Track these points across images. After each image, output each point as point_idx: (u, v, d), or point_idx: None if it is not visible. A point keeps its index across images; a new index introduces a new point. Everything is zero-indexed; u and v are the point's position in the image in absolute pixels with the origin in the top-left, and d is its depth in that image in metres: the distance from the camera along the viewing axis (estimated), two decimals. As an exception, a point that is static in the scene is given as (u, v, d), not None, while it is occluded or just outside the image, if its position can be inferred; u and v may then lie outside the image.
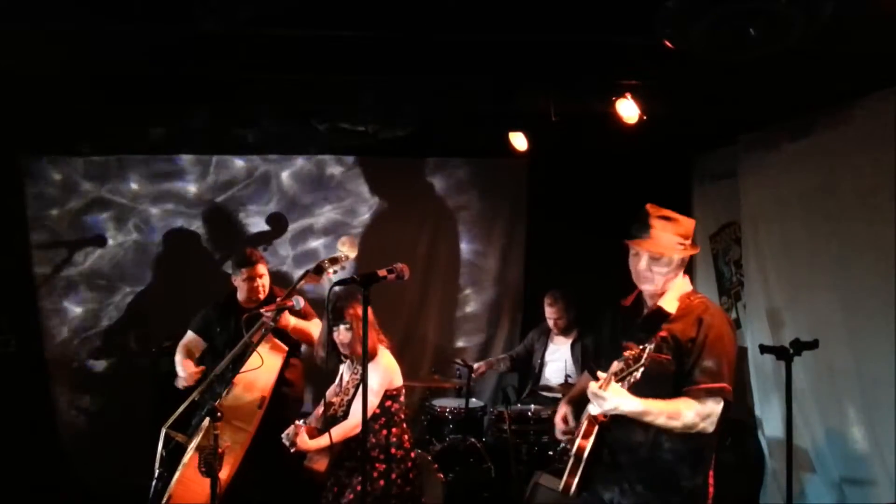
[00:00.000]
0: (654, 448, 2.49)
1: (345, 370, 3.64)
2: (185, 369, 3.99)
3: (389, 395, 3.49)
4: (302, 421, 3.45)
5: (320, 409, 3.58)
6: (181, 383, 3.96)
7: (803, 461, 4.22)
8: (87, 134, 4.97)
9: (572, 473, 2.54)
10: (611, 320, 2.81)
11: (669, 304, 2.55)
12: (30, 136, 4.96)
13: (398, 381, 3.54)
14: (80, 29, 2.87)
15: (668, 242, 2.53)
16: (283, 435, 3.42)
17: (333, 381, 3.68)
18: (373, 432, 3.44)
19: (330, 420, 3.43)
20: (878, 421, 3.69)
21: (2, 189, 5.23)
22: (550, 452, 4.56)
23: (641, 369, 2.33)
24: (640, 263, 2.56)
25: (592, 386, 2.39)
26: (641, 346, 2.36)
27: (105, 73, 3.49)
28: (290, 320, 3.90)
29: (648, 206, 2.63)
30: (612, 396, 2.34)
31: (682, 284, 2.61)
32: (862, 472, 3.85)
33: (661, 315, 2.54)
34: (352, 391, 3.49)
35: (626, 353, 2.40)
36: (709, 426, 2.43)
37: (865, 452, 3.81)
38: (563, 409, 2.83)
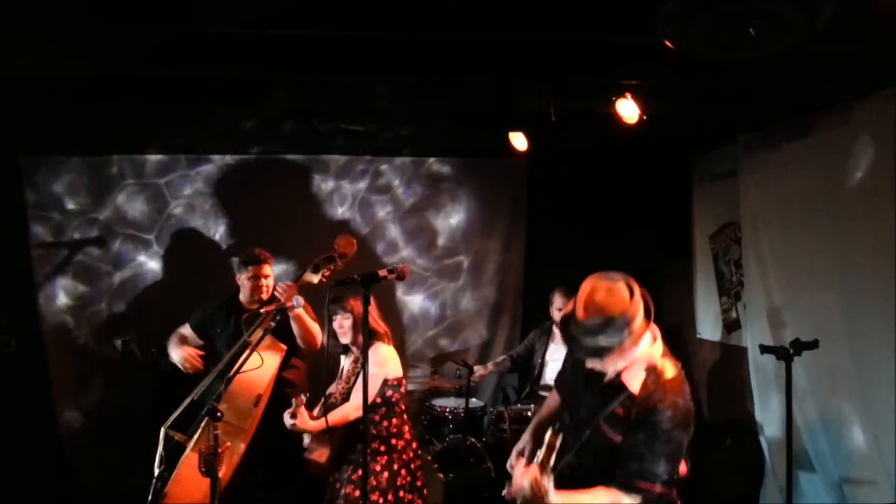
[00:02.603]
0: None
1: (345, 362, 3.66)
2: (181, 352, 3.98)
3: (390, 385, 3.50)
4: (304, 395, 3.44)
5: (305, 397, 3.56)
6: (182, 365, 3.95)
7: (803, 461, 4.22)
8: (86, 134, 4.97)
9: None
10: (570, 360, 2.62)
11: (634, 381, 2.28)
12: (30, 136, 4.96)
13: (398, 370, 3.55)
14: (81, 29, 2.87)
15: (610, 348, 2.21)
16: (286, 413, 3.40)
17: (335, 379, 3.69)
18: (373, 423, 3.45)
19: (329, 409, 3.44)
20: (878, 421, 3.69)
21: (2, 189, 5.23)
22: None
23: (561, 458, 2.23)
24: (589, 364, 2.33)
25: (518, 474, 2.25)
26: (556, 435, 2.23)
27: (105, 73, 3.49)
28: (297, 309, 3.87)
29: (579, 305, 2.25)
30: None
31: (652, 352, 2.31)
32: (862, 472, 3.85)
33: (621, 390, 2.29)
34: (352, 380, 3.50)
35: (549, 440, 2.25)
36: None
37: (865, 452, 3.81)
38: (522, 442, 2.73)
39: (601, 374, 2.33)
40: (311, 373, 4.42)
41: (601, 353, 2.22)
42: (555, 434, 2.26)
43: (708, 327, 5.53)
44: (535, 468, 2.21)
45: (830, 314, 3.97)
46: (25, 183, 5.32)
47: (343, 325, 3.51)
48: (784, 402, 3.57)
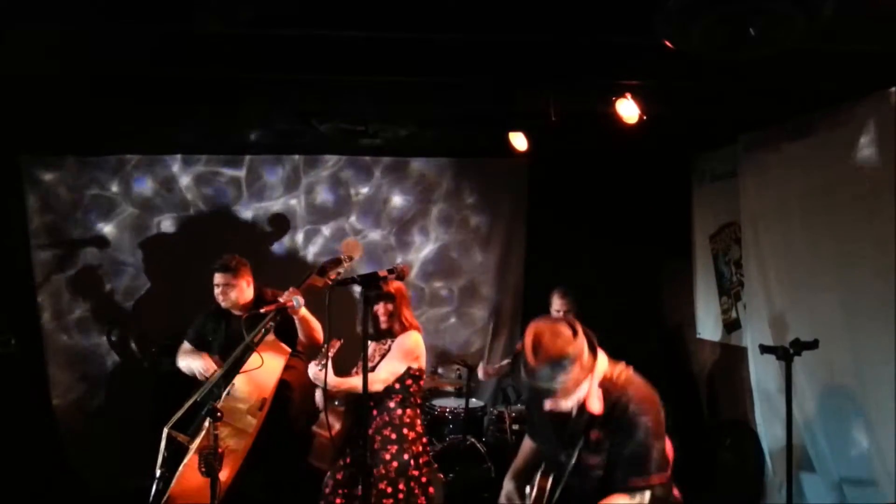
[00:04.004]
0: None
1: (373, 346, 3.64)
2: (202, 361, 3.94)
3: (411, 374, 3.51)
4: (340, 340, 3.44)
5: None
6: (205, 375, 3.91)
7: (803, 461, 4.22)
8: (86, 134, 4.97)
9: None
10: (533, 406, 2.64)
11: (595, 401, 2.37)
12: (30, 137, 4.96)
13: (423, 361, 3.59)
14: (80, 29, 2.87)
15: (562, 386, 2.27)
16: (313, 363, 3.39)
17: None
18: (387, 410, 3.46)
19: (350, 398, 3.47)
20: (878, 421, 3.69)
21: (2, 189, 5.24)
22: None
23: (556, 495, 2.35)
24: (546, 406, 2.37)
25: None
26: (546, 478, 2.37)
27: (105, 73, 3.49)
28: (301, 310, 3.86)
29: (527, 352, 2.30)
30: None
31: (599, 367, 2.39)
32: (862, 472, 3.85)
33: (587, 417, 2.39)
34: (377, 359, 3.52)
35: (539, 483, 2.39)
36: None
37: (865, 452, 3.81)
38: (505, 490, 2.75)
39: (565, 413, 2.41)
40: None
41: (554, 393, 2.29)
42: (544, 477, 2.41)
43: (708, 327, 5.53)
44: None
45: (830, 314, 3.97)
46: (25, 183, 5.32)
47: (387, 309, 3.54)
48: (784, 402, 3.57)
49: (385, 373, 3.40)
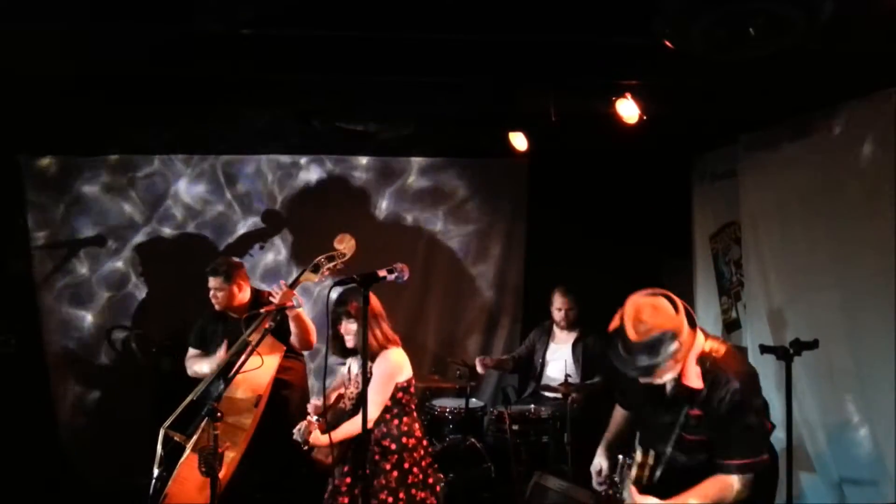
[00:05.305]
0: None
1: (353, 362, 3.62)
2: (211, 362, 3.96)
3: (400, 388, 3.48)
4: (315, 418, 3.42)
5: (318, 402, 3.54)
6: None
7: (803, 461, 4.22)
8: (87, 134, 4.97)
9: None
10: (626, 379, 2.62)
11: (694, 377, 2.36)
12: (30, 136, 4.96)
13: (408, 372, 3.52)
14: (80, 29, 2.87)
15: (664, 362, 2.29)
16: (295, 430, 3.39)
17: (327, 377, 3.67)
18: (384, 422, 3.45)
19: (339, 414, 3.42)
20: (878, 421, 3.69)
21: (2, 189, 5.23)
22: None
23: (659, 471, 2.33)
24: (644, 381, 2.39)
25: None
26: (647, 455, 2.37)
27: (105, 73, 3.49)
28: (296, 309, 3.84)
29: (629, 327, 2.30)
30: None
31: (696, 344, 2.40)
32: (862, 472, 3.85)
33: (687, 392, 2.38)
34: (361, 384, 3.47)
35: (641, 460, 2.38)
36: (746, 491, 2.36)
37: (865, 452, 3.81)
38: (598, 460, 2.78)
39: (662, 387, 2.40)
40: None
41: (655, 369, 2.27)
42: (645, 454, 2.38)
43: (708, 327, 5.46)
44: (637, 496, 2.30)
45: (830, 314, 3.97)
46: (25, 183, 5.32)
47: (349, 329, 3.47)
48: (784, 402, 3.56)
49: (374, 407, 3.33)
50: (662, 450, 2.42)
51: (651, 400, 2.47)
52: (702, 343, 2.40)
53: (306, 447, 3.37)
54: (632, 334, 2.27)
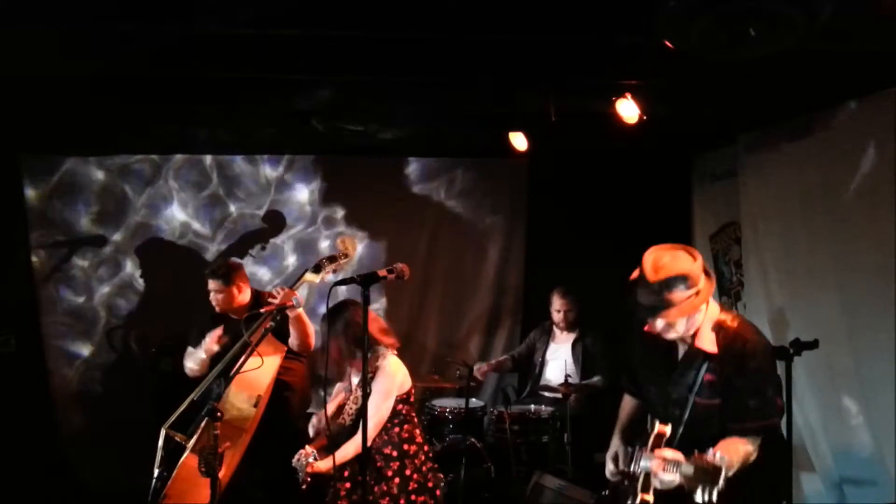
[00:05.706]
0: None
1: (353, 372, 3.59)
2: (208, 343, 3.95)
3: (400, 399, 3.47)
4: (313, 457, 3.38)
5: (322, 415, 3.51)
6: (211, 348, 3.95)
7: (803, 461, 4.22)
8: (87, 134, 4.97)
9: None
10: (640, 351, 2.70)
11: (708, 342, 2.44)
12: (30, 136, 4.96)
13: (407, 384, 3.50)
14: (81, 29, 2.87)
15: (678, 303, 2.35)
16: (294, 460, 3.38)
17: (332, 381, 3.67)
18: (385, 430, 3.44)
19: (338, 429, 3.42)
20: (878, 421, 3.69)
21: (2, 189, 5.23)
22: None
23: (676, 440, 2.38)
24: (655, 327, 2.44)
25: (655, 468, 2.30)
26: (665, 424, 2.41)
27: (105, 72, 3.49)
28: (297, 309, 3.83)
29: (647, 269, 2.39)
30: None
31: (711, 312, 2.48)
32: (862, 472, 3.85)
33: (701, 356, 2.44)
34: (360, 399, 3.42)
35: (659, 430, 2.42)
36: (758, 453, 2.40)
37: (865, 452, 3.81)
38: (614, 447, 2.80)
39: (674, 353, 2.49)
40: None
41: (668, 305, 2.34)
42: (663, 423, 2.43)
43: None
44: (657, 454, 2.31)
45: (830, 314, 3.97)
46: (25, 183, 5.32)
47: (337, 344, 3.42)
48: (784, 402, 3.56)
49: (374, 426, 3.33)
50: (678, 417, 2.46)
51: (665, 368, 2.53)
52: (717, 312, 2.48)
53: (304, 485, 3.34)
54: (650, 275, 2.36)
